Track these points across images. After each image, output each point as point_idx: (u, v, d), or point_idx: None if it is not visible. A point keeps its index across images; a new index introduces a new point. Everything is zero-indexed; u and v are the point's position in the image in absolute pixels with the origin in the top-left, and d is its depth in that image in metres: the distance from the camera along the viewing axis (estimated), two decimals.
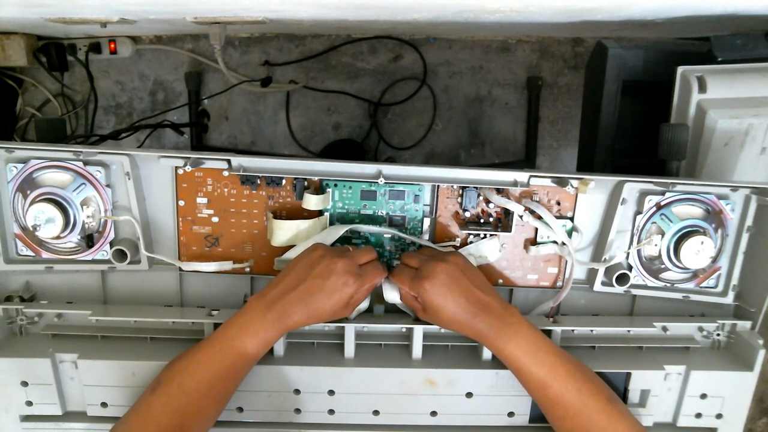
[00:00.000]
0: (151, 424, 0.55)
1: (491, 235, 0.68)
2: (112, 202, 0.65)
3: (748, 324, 0.68)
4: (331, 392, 0.64)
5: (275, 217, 0.66)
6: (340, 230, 0.66)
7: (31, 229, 0.61)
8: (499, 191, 0.67)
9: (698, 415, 0.66)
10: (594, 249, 0.70)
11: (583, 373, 0.58)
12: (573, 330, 0.67)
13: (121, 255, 0.65)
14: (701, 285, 0.69)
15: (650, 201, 0.66)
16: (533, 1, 0.76)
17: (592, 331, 0.67)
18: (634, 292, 0.69)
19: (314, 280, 0.58)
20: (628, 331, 0.68)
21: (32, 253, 0.66)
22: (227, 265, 0.67)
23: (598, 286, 0.69)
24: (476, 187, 0.67)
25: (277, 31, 1.34)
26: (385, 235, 0.68)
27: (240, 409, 0.64)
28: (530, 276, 0.70)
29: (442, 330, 0.66)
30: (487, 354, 0.64)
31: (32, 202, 0.62)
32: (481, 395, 0.64)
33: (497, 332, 0.58)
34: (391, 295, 0.64)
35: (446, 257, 0.61)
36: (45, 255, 0.66)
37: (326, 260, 0.58)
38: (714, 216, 0.66)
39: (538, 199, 0.68)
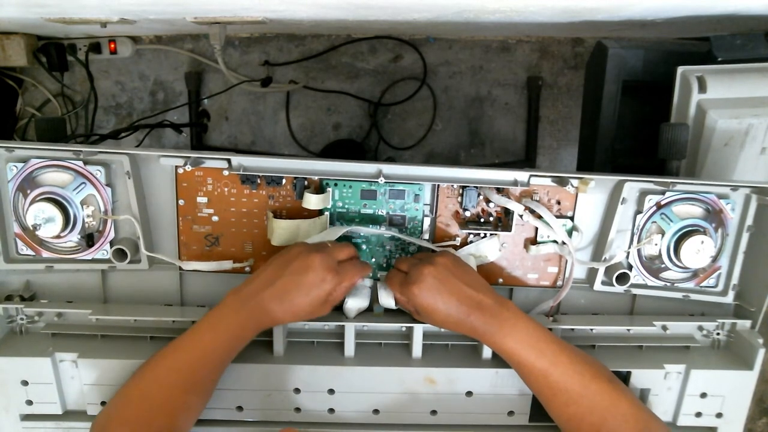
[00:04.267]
0: (126, 412, 0.56)
1: (491, 234, 0.68)
2: (112, 202, 0.65)
3: (748, 323, 0.68)
4: (331, 391, 0.64)
5: (275, 217, 0.66)
6: (340, 231, 0.66)
7: (31, 228, 0.61)
8: (499, 191, 0.67)
9: (698, 414, 0.66)
10: (594, 248, 0.70)
11: (582, 357, 0.59)
12: (573, 329, 0.67)
13: (121, 254, 0.65)
14: (701, 284, 0.69)
15: (650, 200, 0.66)
16: (533, 1, 0.76)
17: (592, 330, 0.68)
18: (634, 291, 0.69)
19: (290, 277, 0.57)
20: (628, 330, 0.68)
21: (32, 253, 0.66)
22: (227, 265, 0.67)
23: (598, 286, 0.69)
24: (476, 187, 0.67)
25: (277, 31, 1.34)
26: (385, 235, 0.68)
27: (240, 409, 0.64)
28: (530, 275, 0.70)
29: (442, 329, 0.66)
30: (487, 353, 0.64)
31: (32, 202, 0.62)
32: (481, 394, 0.64)
33: (494, 329, 0.58)
34: (387, 300, 0.64)
35: (434, 259, 0.61)
36: (45, 254, 0.66)
37: (303, 256, 0.58)
38: (714, 215, 0.66)
39: (538, 199, 0.68)
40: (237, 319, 0.57)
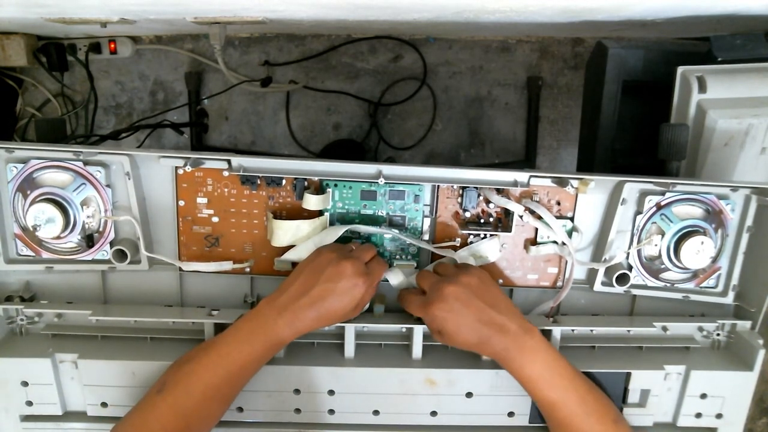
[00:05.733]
0: (155, 425, 0.55)
1: (491, 235, 0.68)
2: (112, 202, 0.65)
3: (748, 324, 0.68)
4: (331, 392, 0.64)
5: (275, 217, 0.66)
6: (340, 231, 0.66)
7: (31, 229, 0.61)
8: (499, 191, 0.67)
9: (698, 415, 0.66)
10: (594, 249, 0.70)
11: (593, 396, 0.59)
12: (573, 330, 0.67)
13: (121, 255, 0.65)
14: (701, 285, 0.69)
15: (650, 201, 0.66)
16: (533, 1, 0.76)
17: (592, 331, 0.67)
18: (634, 292, 0.69)
19: (324, 285, 0.58)
20: (628, 331, 0.68)
21: (32, 253, 0.66)
22: (227, 265, 0.67)
23: (598, 286, 0.69)
24: (476, 187, 0.67)
25: (277, 31, 1.34)
26: (384, 235, 0.68)
27: (240, 409, 0.64)
28: (530, 276, 0.70)
29: None
30: None
31: (32, 202, 0.62)
32: (481, 395, 0.64)
33: (513, 355, 0.58)
34: (396, 279, 0.65)
35: (458, 277, 0.60)
36: (45, 255, 0.66)
37: (334, 264, 0.59)
38: (714, 216, 0.66)
39: (538, 199, 0.68)
40: (275, 328, 0.58)
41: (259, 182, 0.66)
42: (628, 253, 0.67)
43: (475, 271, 0.62)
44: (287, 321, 0.58)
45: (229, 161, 0.64)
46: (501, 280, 0.70)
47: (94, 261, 0.67)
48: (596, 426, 0.57)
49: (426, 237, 0.68)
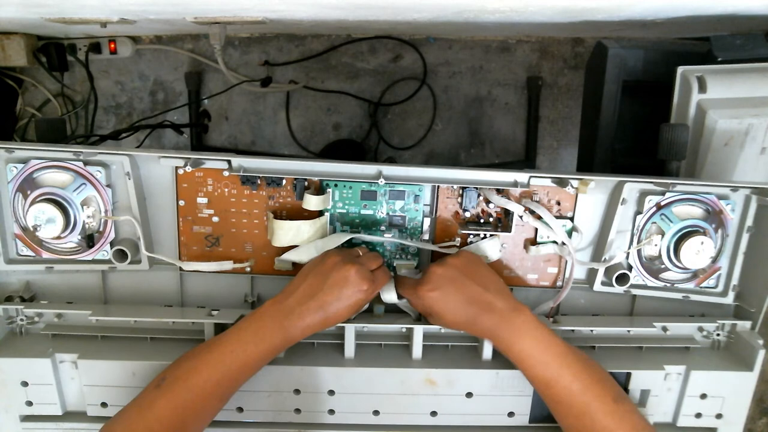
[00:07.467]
0: (152, 419, 0.55)
1: (491, 235, 0.68)
2: (113, 202, 0.65)
3: (748, 324, 0.68)
4: (331, 392, 0.64)
5: (276, 217, 0.66)
6: (343, 238, 0.66)
7: (31, 229, 0.61)
8: (499, 191, 0.67)
9: (698, 415, 0.66)
10: (594, 249, 0.70)
11: (590, 373, 0.58)
12: (573, 330, 0.67)
13: (121, 255, 0.65)
14: (701, 285, 0.69)
15: (650, 201, 0.66)
16: (533, 1, 0.76)
17: (592, 331, 0.67)
18: (634, 292, 0.69)
19: (330, 289, 0.59)
20: (628, 331, 0.68)
21: (32, 253, 0.66)
22: (227, 265, 0.67)
23: (598, 286, 0.69)
24: (476, 188, 0.67)
25: (277, 31, 1.34)
26: (390, 241, 0.68)
27: (240, 409, 0.64)
28: (530, 276, 0.70)
29: (442, 330, 0.66)
30: (487, 354, 0.64)
31: (32, 203, 0.62)
32: (481, 395, 0.64)
33: (503, 333, 0.58)
34: (389, 296, 0.64)
35: (446, 260, 0.61)
36: (45, 255, 0.66)
37: (339, 267, 0.59)
38: (714, 216, 0.66)
39: (538, 200, 0.68)
40: (281, 330, 0.58)
41: (259, 182, 0.66)
42: (628, 253, 0.67)
43: (464, 253, 0.64)
44: (294, 322, 0.58)
45: (229, 161, 0.64)
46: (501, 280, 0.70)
47: (94, 261, 0.67)
48: (594, 403, 0.56)
49: (426, 237, 0.68)
